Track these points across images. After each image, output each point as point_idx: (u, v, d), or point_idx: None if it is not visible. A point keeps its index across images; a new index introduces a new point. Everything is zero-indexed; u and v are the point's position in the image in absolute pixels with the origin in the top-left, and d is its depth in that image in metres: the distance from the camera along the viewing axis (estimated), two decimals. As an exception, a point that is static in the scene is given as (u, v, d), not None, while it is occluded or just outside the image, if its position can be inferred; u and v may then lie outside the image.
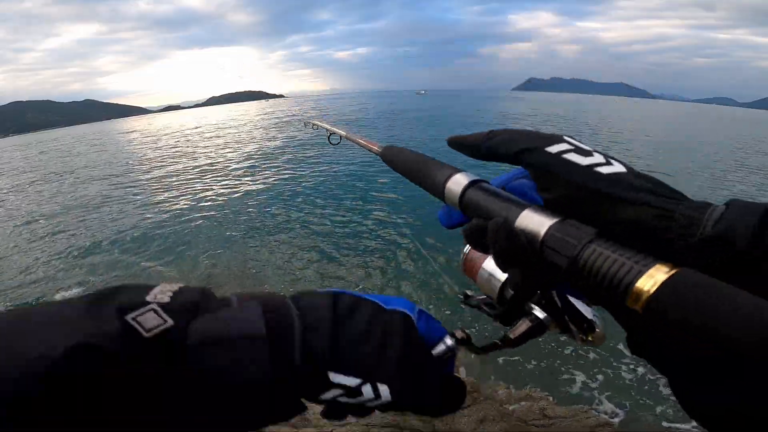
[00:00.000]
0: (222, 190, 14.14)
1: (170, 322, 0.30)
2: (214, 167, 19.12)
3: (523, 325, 0.44)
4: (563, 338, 0.45)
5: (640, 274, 0.24)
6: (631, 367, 4.47)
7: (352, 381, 0.36)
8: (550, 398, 3.81)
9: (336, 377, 0.35)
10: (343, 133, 1.32)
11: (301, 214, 10.63)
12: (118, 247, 9.39)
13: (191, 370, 0.30)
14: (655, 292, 0.23)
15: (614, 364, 4.56)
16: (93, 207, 13.61)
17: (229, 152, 23.88)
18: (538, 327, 0.43)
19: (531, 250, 0.32)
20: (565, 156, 0.34)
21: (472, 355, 0.47)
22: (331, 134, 1.59)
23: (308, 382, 0.35)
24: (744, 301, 0.20)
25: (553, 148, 0.34)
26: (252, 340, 0.32)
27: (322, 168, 16.40)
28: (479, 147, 0.40)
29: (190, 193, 14.12)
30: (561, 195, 0.33)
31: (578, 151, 0.34)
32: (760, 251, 0.24)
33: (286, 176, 15.49)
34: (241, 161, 20.29)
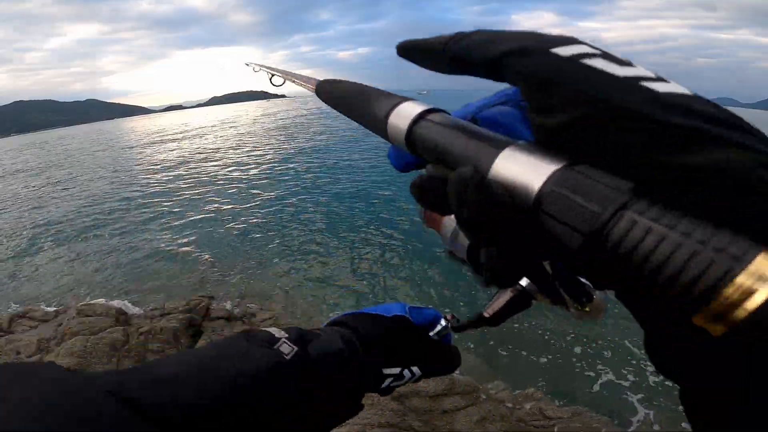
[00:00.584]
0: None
1: (296, 348, 0.46)
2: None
3: (502, 298, 0.35)
4: (552, 311, 0.38)
5: (732, 271, 0.13)
6: (634, 365, 4.45)
7: (395, 370, 0.53)
8: (550, 398, 3.81)
9: (387, 370, 0.53)
10: (280, 74, 1.29)
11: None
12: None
13: (316, 375, 0.45)
14: (764, 304, 0.12)
15: (616, 364, 4.54)
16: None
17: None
18: (522, 298, 0.33)
19: (518, 218, 0.19)
20: (587, 61, 0.18)
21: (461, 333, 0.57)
22: (272, 75, 1.64)
23: (370, 377, 0.52)
24: None
25: (565, 50, 0.19)
26: (341, 353, 0.48)
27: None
28: (441, 52, 0.24)
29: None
30: (573, 121, 0.18)
31: (608, 57, 0.19)
32: None
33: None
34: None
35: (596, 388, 4.25)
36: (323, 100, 0.45)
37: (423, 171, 0.29)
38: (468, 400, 3.37)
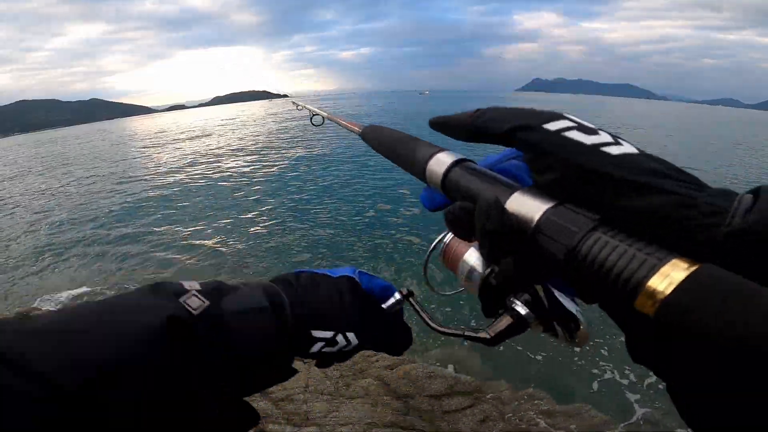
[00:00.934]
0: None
1: (207, 302, 0.41)
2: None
3: (503, 322, 0.40)
4: (542, 336, 0.41)
5: (654, 269, 0.21)
6: (634, 364, 4.46)
7: (328, 334, 0.49)
8: (551, 397, 3.82)
9: (316, 333, 0.49)
10: (324, 114, 1.32)
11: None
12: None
13: (226, 333, 0.41)
14: (672, 292, 0.19)
15: (616, 362, 4.56)
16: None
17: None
18: (519, 324, 0.39)
19: (523, 237, 0.28)
20: (567, 134, 0.29)
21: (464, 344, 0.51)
22: (313, 115, 1.65)
23: (299, 340, 0.48)
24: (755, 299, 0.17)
25: (552, 126, 0.29)
26: (262, 310, 0.45)
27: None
28: (465, 127, 0.35)
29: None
30: (559, 177, 0.28)
31: (582, 128, 0.29)
32: None
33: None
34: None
35: (596, 386, 4.27)
36: (367, 143, 0.60)
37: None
38: (470, 401, 3.38)
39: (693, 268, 0.19)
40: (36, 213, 13.71)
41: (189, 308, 0.40)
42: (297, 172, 16.45)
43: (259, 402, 3.29)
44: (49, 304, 6.72)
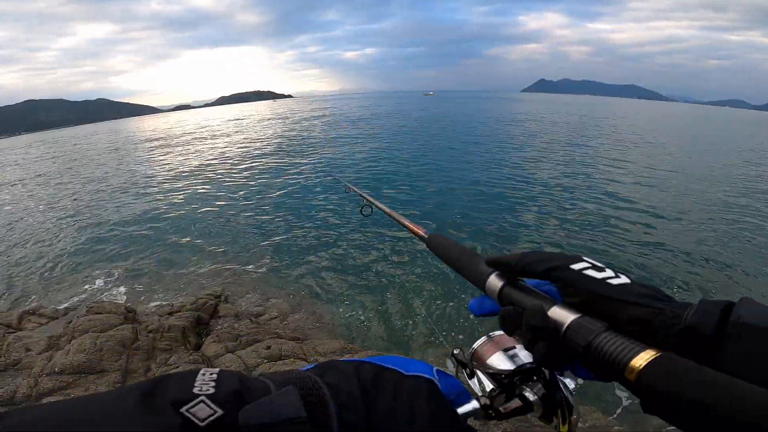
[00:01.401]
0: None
1: (220, 411, 0.32)
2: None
3: (514, 403, 0.52)
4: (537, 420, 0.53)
5: (634, 354, 0.34)
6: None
7: None
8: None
9: None
10: (385, 209, 1.29)
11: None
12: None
13: None
14: (642, 369, 0.33)
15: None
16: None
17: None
18: (527, 407, 0.52)
19: (557, 334, 0.42)
20: (585, 272, 0.45)
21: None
22: (365, 205, 1.65)
23: None
24: (708, 377, 0.29)
25: (576, 266, 0.45)
26: (296, 423, 0.34)
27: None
28: (514, 267, 0.51)
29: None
30: (582, 299, 0.43)
31: (594, 268, 0.45)
32: (721, 336, 0.33)
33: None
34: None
35: (597, 386, 4.26)
36: (431, 249, 0.75)
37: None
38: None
39: (656, 355, 0.33)
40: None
41: (194, 420, 0.31)
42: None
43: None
44: (54, 304, 6.79)
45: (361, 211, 1.68)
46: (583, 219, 9.80)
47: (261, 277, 7.35)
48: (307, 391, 0.37)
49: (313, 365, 0.44)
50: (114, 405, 0.31)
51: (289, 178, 15.43)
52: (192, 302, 5.91)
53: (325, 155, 20.59)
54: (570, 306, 0.44)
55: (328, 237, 9.12)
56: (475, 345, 0.63)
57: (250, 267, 7.80)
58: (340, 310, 6.19)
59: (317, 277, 7.26)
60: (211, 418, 0.31)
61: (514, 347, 0.59)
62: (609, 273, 0.44)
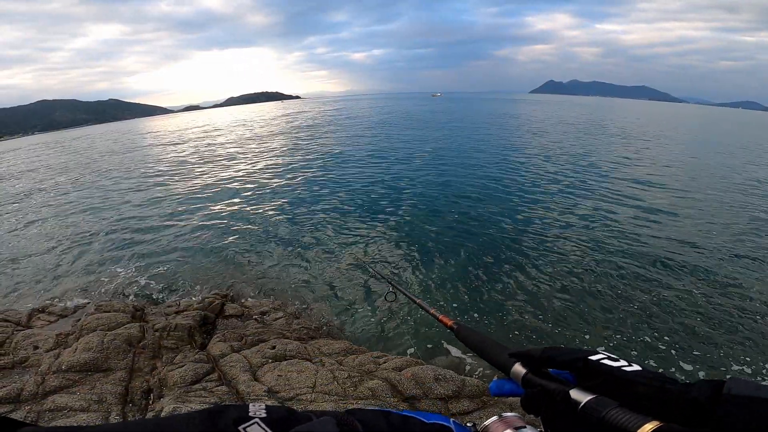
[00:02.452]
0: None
1: (270, 431, 0.41)
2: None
3: None
4: None
5: (641, 424, 0.42)
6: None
7: None
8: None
9: None
10: (417, 300, 1.46)
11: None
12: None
13: None
14: None
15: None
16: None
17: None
18: None
19: (576, 410, 0.51)
20: (603, 361, 0.54)
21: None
22: (389, 292, 1.90)
23: None
24: None
25: (595, 357, 0.55)
26: None
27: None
28: (539, 358, 0.60)
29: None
30: (597, 383, 0.52)
31: (610, 359, 0.55)
32: (713, 406, 0.40)
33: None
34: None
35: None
36: (459, 339, 0.90)
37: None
38: (476, 404, 3.35)
39: (658, 425, 0.41)
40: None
41: None
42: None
43: (266, 401, 3.29)
44: (63, 302, 6.86)
45: (385, 297, 1.86)
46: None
47: (267, 278, 7.37)
48: (342, 422, 0.47)
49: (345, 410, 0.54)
50: (186, 425, 0.39)
51: (298, 179, 15.47)
52: (199, 301, 5.94)
53: (333, 168, 20.62)
54: (585, 389, 0.53)
55: (335, 239, 9.12)
56: (487, 422, 0.71)
57: (257, 267, 7.83)
58: (346, 311, 6.18)
59: (323, 278, 7.26)
60: None
61: (524, 426, 0.68)
62: (623, 363, 0.53)
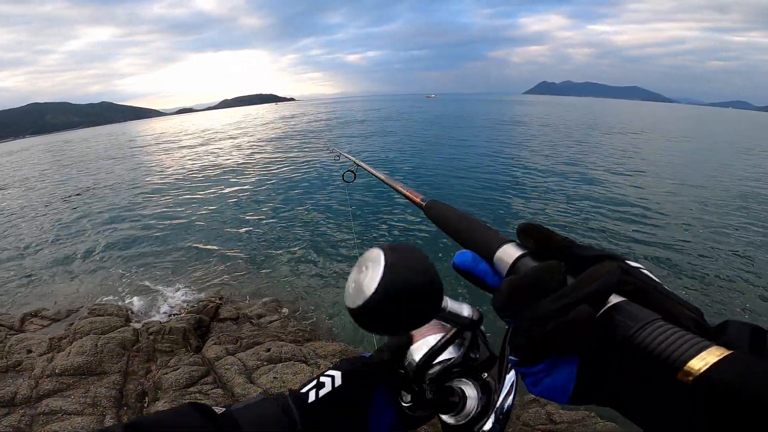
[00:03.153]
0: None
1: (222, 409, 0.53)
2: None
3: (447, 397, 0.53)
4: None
5: (698, 351, 0.27)
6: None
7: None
8: (557, 405, 3.79)
9: None
10: (378, 174, 1.18)
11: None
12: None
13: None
14: (710, 367, 0.26)
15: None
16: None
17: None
18: (450, 406, 0.52)
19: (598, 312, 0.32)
20: (643, 270, 0.36)
21: None
22: (347, 171, 1.52)
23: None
24: None
25: (632, 263, 0.37)
26: (264, 401, 0.58)
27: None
28: (560, 242, 0.39)
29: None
30: (633, 289, 0.34)
31: (650, 274, 0.37)
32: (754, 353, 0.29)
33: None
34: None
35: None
36: (430, 218, 0.61)
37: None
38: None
39: (727, 353, 0.26)
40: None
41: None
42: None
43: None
44: (56, 306, 6.81)
45: (343, 176, 1.49)
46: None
47: (262, 280, 7.35)
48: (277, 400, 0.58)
49: None
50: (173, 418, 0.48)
51: (290, 183, 15.44)
52: (193, 304, 5.92)
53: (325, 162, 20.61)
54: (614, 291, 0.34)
55: (329, 242, 9.11)
56: None
57: (252, 270, 7.81)
58: (342, 313, 6.18)
59: (318, 281, 7.25)
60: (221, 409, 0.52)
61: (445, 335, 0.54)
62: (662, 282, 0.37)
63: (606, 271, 0.32)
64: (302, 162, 19.75)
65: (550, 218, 10.05)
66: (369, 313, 0.34)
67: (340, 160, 1.78)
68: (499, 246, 0.42)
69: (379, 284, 0.34)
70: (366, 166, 1.35)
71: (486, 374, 0.52)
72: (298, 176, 16.31)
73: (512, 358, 0.36)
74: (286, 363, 4.07)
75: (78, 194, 16.85)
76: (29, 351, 4.45)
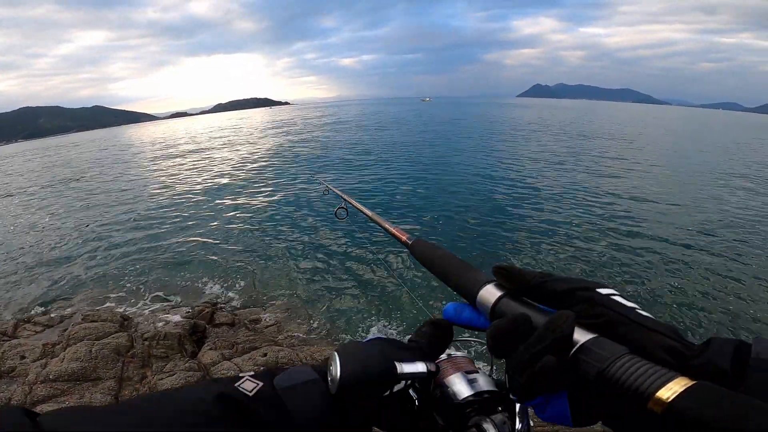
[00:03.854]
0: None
1: (260, 383, 0.47)
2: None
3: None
4: None
5: (663, 383, 0.29)
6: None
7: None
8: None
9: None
10: (366, 211, 1.20)
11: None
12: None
13: (284, 407, 0.46)
14: (678, 397, 0.28)
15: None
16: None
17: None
18: None
19: (567, 354, 0.36)
20: (614, 297, 0.40)
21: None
22: (340, 208, 1.55)
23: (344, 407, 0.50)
24: (740, 402, 0.26)
25: (603, 291, 0.41)
26: (313, 382, 0.49)
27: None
28: (531, 280, 0.44)
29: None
30: (603, 322, 0.38)
31: (622, 296, 0.41)
32: (737, 371, 0.32)
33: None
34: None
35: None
36: (415, 257, 0.66)
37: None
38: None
39: (692, 383, 0.29)
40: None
41: (244, 391, 0.45)
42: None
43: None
44: (49, 312, 6.75)
45: (335, 213, 1.53)
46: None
47: (257, 285, 7.33)
48: (317, 368, 0.52)
49: None
50: (190, 392, 0.44)
51: (284, 188, 15.44)
52: (188, 309, 5.90)
53: (314, 161, 20.63)
54: (583, 327, 0.37)
55: (324, 246, 9.11)
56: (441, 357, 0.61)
57: (247, 275, 7.79)
58: (338, 317, 6.18)
59: (314, 285, 7.25)
60: (256, 389, 0.45)
61: (476, 371, 0.59)
62: (637, 306, 0.40)
63: (563, 321, 0.36)
64: (296, 171, 19.73)
65: (551, 221, 10.10)
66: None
67: (328, 195, 1.80)
68: (480, 287, 0.47)
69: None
70: (354, 202, 1.39)
71: (500, 407, 0.55)
72: (294, 184, 16.30)
73: (512, 397, 0.40)
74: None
75: (69, 197, 16.75)
76: (23, 357, 4.41)
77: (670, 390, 0.28)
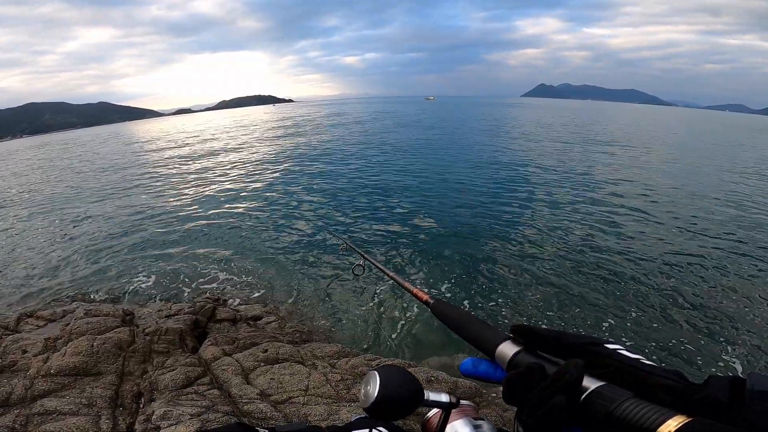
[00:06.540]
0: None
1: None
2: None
3: None
4: None
5: (665, 419, 0.34)
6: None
7: None
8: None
9: None
10: (387, 271, 1.26)
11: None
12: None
13: None
14: (677, 430, 0.32)
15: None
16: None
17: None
18: None
19: (578, 398, 0.41)
20: (620, 351, 0.46)
21: None
22: (357, 264, 1.59)
23: None
24: None
25: (611, 346, 0.47)
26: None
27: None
28: (547, 335, 0.50)
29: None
30: (610, 371, 0.43)
31: (627, 350, 0.46)
32: (734, 404, 0.35)
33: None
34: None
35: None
36: (436, 315, 0.73)
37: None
38: (470, 405, 3.36)
39: (687, 420, 0.33)
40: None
41: None
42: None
43: (258, 404, 3.29)
44: (51, 306, 6.78)
45: (353, 270, 1.59)
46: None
47: (259, 281, 7.34)
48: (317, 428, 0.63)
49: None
50: None
51: (287, 184, 15.44)
52: (190, 305, 5.90)
53: (322, 162, 20.61)
54: (593, 376, 0.43)
55: (326, 242, 9.11)
56: (430, 413, 0.66)
57: (249, 271, 7.80)
58: (339, 314, 6.18)
59: (315, 281, 7.25)
60: None
61: (482, 419, 0.64)
62: (640, 356, 0.45)
63: (572, 367, 0.41)
64: (301, 167, 19.73)
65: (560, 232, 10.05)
66: (375, 409, 0.54)
67: (344, 251, 1.85)
68: (499, 343, 0.53)
69: (378, 392, 0.54)
70: (374, 262, 1.41)
71: None
72: (297, 181, 16.29)
73: None
74: (283, 364, 4.06)
75: (68, 194, 16.81)
76: (24, 351, 4.42)
77: (669, 426, 0.33)
